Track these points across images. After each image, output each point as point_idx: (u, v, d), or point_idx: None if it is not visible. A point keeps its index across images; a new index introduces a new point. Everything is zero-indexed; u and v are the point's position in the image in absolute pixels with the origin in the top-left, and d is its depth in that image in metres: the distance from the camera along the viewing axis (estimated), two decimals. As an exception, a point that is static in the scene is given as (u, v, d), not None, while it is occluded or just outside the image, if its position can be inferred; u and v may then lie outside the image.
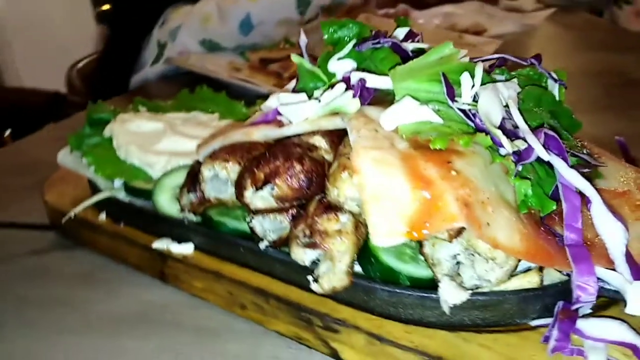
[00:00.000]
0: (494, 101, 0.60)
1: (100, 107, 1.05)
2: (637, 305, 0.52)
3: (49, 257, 0.91)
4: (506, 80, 0.68)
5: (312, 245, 0.58)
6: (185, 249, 0.76)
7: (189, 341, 0.68)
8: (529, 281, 0.56)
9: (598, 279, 0.55)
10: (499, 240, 0.52)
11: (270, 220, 0.67)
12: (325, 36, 0.77)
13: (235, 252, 0.71)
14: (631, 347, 0.52)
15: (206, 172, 0.69)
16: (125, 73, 2.23)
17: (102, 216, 0.88)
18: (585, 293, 0.52)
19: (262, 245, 0.68)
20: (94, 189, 0.91)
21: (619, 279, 0.54)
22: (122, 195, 0.88)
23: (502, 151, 0.57)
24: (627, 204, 0.62)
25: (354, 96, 0.63)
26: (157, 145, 0.92)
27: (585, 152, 0.68)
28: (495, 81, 0.65)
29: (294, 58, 0.78)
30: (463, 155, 0.55)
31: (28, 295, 0.81)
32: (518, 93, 0.67)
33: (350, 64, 0.73)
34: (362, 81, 0.63)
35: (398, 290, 0.58)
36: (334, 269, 0.58)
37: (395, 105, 0.60)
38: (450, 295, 0.55)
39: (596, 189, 0.61)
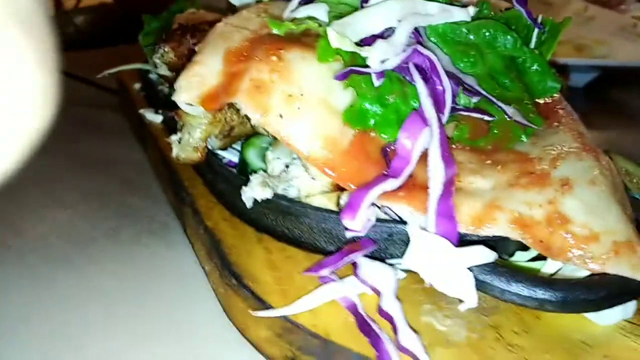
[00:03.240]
0: (383, 10, 0.53)
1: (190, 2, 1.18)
2: (415, 258, 0.43)
3: (95, 112, 1.09)
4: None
5: (175, 112, 0.61)
6: (156, 118, 0.85)
7: (98, 173, 0.77)
8: (330, 200, 0.50)
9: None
10: (289, 136, 0.48)
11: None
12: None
13: (170, 122, 0.77)
14: (376, 291, 0.43)
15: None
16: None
17: (136, 85, 1.02)
18: (350, 218, 0.44)
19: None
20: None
21: (415, 224, 0.45)
22: (153, 72, 0.99)
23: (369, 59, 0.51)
24: (518, 168, 0.49)
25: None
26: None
27: (529, 110, 0.56)
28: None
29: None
30: (308, 49, 0.51)
31: (66, 131, 0.99)
32: (463, 22, 0.57)
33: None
34: (279, -29, 0.62)
35: (225, 174, 0.58)
36: (183, 139, 0.60)
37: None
38: (253, 189, 0.53)
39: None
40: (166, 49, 0.62)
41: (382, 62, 0.49)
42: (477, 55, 0.57)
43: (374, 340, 0.40)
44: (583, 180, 0.47)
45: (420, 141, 0.48)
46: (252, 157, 0.60)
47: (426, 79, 0.51)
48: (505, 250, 0.50)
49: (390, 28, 0.53)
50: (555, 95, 0.60)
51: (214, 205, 0.60)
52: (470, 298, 0.40)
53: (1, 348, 0.48)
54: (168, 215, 0.69)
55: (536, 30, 0.59)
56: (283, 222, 0.53)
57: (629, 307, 0.45)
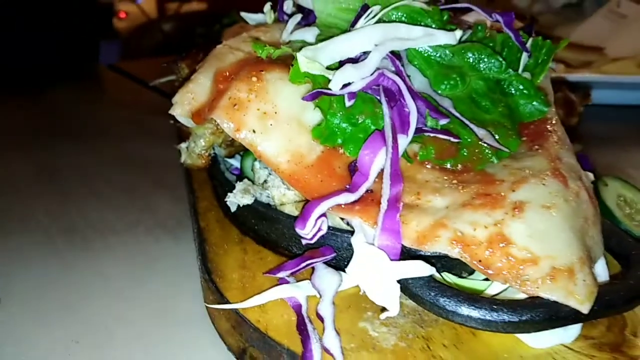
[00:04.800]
0: (362, 35, 0.56)
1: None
2: (356, 268, 0.47)
3: (152, 117, 1.20)
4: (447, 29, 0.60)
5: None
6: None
7: (136, 171, 0.87)
8: (297, 209, 0.55)
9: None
10: (261, 150, 0.53)
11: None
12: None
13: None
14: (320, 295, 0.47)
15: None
16: None
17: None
18: (301, 227, 0.49)
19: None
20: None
21: (361, 236, 0.49)
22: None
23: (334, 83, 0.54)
24: (478, 189, 0.51)
25: (275, 11, 0.67)
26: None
27: (506, 133, 0.57)
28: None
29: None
30: (288, 70, 0.55)
31: (120, 132, 1.12)
32: (448, 46, 0.60)
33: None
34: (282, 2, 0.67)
35: (221, 180, 0.64)
36: (189, 147, 0.67)
37: (294, 22, 0.63)
38: (235, 196, 0.58)
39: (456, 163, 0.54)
40: (182, 65, 0.70)
41: (347, 84, 0.52)
42: (459, 77, 0.58)
43: (305, 338, 0.44)
44: (537, 205, 0.48)
45: (379, 159, 0.51)
46: (247, 166, 0.66)
47: (395, 101, 0.54)
48: (464, 267, 0.52)
49: (367, 52, 0.56)
50: (548, 117, 0.61)
51: (213, 207, 0.66)
52: (393, 308, 0.43)
53: (22, 311, 0.57)
54: (185, 214, 0.77)
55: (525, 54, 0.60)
56: (262, 226, 0.58)
57: (570, 331, 0.46)
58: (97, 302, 0.59)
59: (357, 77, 0.53)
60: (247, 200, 0.58)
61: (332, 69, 0.54)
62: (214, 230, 0.61)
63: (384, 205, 0.48)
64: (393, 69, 0.56)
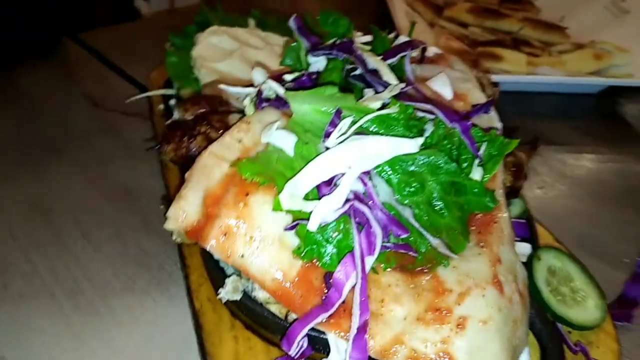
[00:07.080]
0: (333, 159, 0.63)
1: (212, 12, 1.25)
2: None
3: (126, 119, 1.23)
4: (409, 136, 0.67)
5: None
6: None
7: (124, 206, 0.94)
8: (281, 312, 0.65)
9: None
10: (250, 271, 0.62)
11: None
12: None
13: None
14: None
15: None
16: None
17: (161, 106, 1.14)
18: (287, 348, 0.60)
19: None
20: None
21: (335, 355, 0.60)
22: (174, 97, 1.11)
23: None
24: (430, 301, 0.62)
25: (256, 99, 0.72)
26: (218, 63, 1.11)
27: (456, 237, 0.66)
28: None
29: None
30: (271, 193, 0.63)
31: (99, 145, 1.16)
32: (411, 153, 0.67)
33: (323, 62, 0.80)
34: (261, 92, 0.71)
35: (210, 261, 0.72)
36: (180, 227, 0.74)
37: (274, 127, 0.68)
38: (226, 292, 0.68)
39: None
40: (167, 149, 0.75)
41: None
42: (419, 184, 0.67)
43: None
44: (477, 319, 0.60)
45: (351, 280, 0.61)
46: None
47: (363, 220, 0.62)
48: None
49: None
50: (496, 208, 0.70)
51: (204, 281, 0.76)
52: None
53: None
54: (175, 264, 0.86)
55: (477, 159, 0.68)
56: (250, 315, 0.68)
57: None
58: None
59: (331, 210, 0.61)
60: (237, 296, 0.67)
61: (309, 199, 0.62)
62: (207, 313, 0.71)
63: (353, 330, 0.59)
64: (362, 185, 0.64)
